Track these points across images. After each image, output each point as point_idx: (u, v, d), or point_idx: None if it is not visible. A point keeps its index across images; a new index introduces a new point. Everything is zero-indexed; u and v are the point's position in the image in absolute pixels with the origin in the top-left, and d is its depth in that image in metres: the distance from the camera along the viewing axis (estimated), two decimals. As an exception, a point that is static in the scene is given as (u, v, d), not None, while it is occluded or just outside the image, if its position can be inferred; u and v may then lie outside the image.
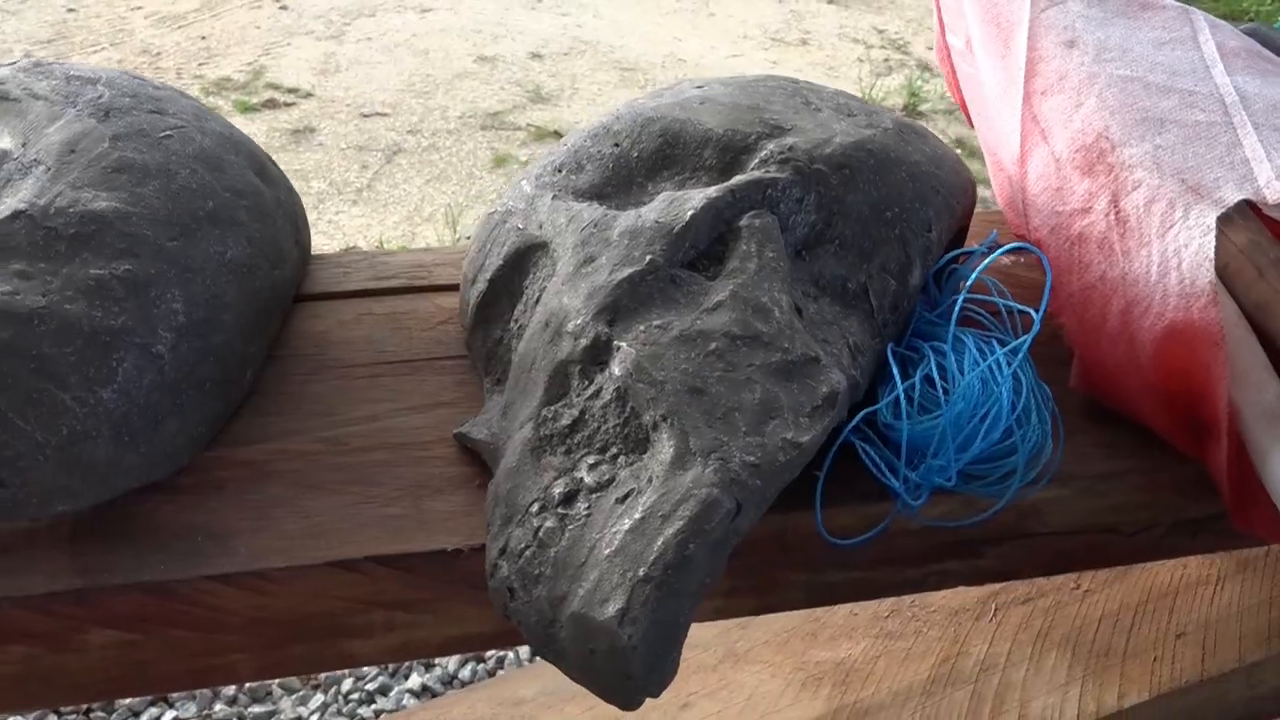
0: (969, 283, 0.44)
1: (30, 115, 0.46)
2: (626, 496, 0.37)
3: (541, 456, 0.40)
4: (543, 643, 0.37)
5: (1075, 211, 0.48)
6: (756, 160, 0.46)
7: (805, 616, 0.71)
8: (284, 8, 3.19)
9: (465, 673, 1.47)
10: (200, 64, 2.78)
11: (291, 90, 2.83)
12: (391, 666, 1.45)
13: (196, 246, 0.45)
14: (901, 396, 0.41)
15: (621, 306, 0.41)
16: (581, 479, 0.39)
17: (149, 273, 0.42)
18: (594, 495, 0.38)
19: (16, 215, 0.42)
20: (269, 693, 1.41)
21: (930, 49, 3.64)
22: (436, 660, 1.48)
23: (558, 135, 2.82)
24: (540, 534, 0.38)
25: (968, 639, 0.66)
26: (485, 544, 0.41)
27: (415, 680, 1.45)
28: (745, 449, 0.37)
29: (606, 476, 0.38)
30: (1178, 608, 0.67)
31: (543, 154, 0.53)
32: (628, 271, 0.42)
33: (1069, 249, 0.48)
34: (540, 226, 0.46)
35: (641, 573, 0.35)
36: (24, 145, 0.45)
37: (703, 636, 0.72)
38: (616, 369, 0.39)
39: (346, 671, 1.43)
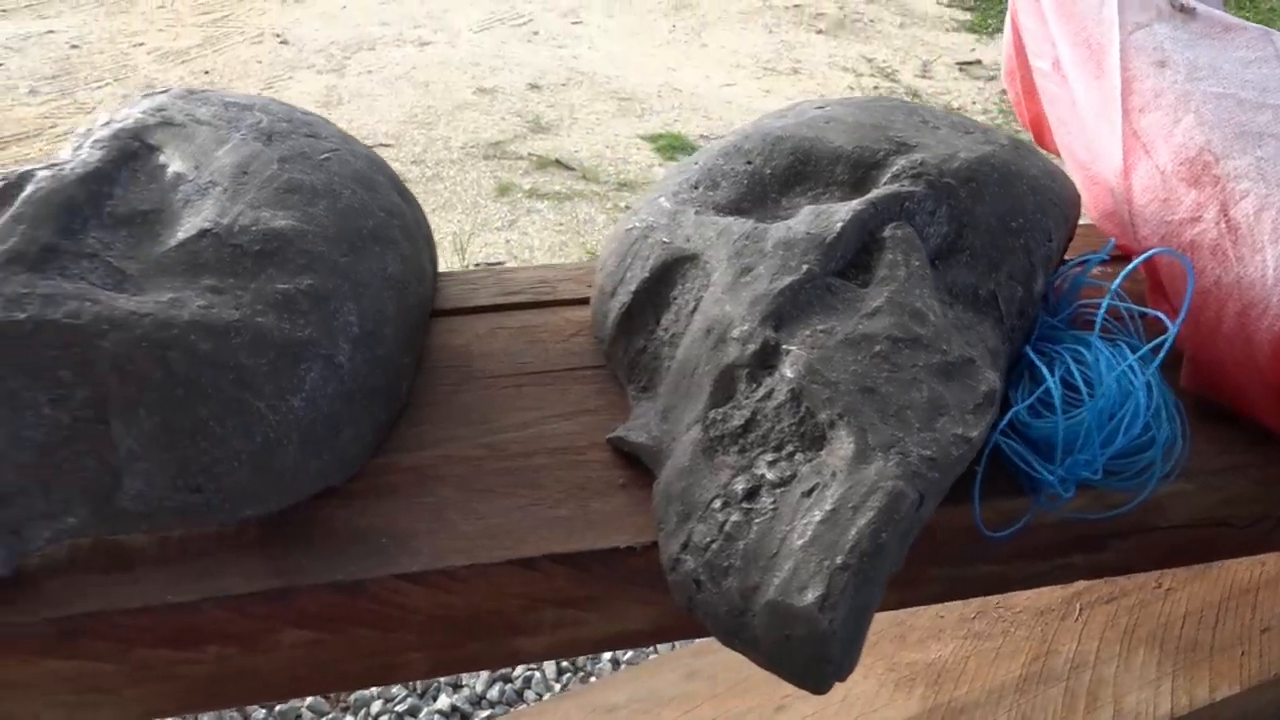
0: (1115, 286, 0.47)
1: (198, 139, 0.48)
2: (812, 490, 0.39)
3: (714, 456, 0.42)
4: (732, 631, 0.39)
5: (1184, 221, 0.51)
6: (889, 175, 0.49)
7: (890, 620, 0.73)
8: (284, 42, 3.22)
9: (494, 692, 1.47)
10: (206, 97, 2.80)
11: (295, 122, 2.85)
12: (420, 687, 1.46)
13: (363, 263, 0.47)
14: (1055, 393, 0.43)
15: (784, 313, 0.43)
16: (762, 475, 0.41)
17: (328, 287, 0.44)
18: (778, 490, 0.40)
19: (203, 234, 0.44)
20: (298, 716, 1.40)
21: (919, 76, 3.71)
22: (464, 680, 1.48)
23: (559, 164, 2.86)
24: (727, 528, 0.40)
25: (1056, 638, 0.68)
26: (658, 541, 0.43)
27: (444, 701, 1.45)
28: (921, 444, 0.40)
29: (788, 472, 0.40)
30: (1260, 603, 0.70)
31: (670, 171, 0.55)
32: (788, 280, 0.44)
33: (1180, 256, 0.50)
34: (687, 240, 0.49)
35: (839, 561, 0.37)
36: (196, 168, 0.47)
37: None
38: (789, 371, 0.42)
39: (374, 692, 1.43)
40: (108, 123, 0.49)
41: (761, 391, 0.42)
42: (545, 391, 0.52)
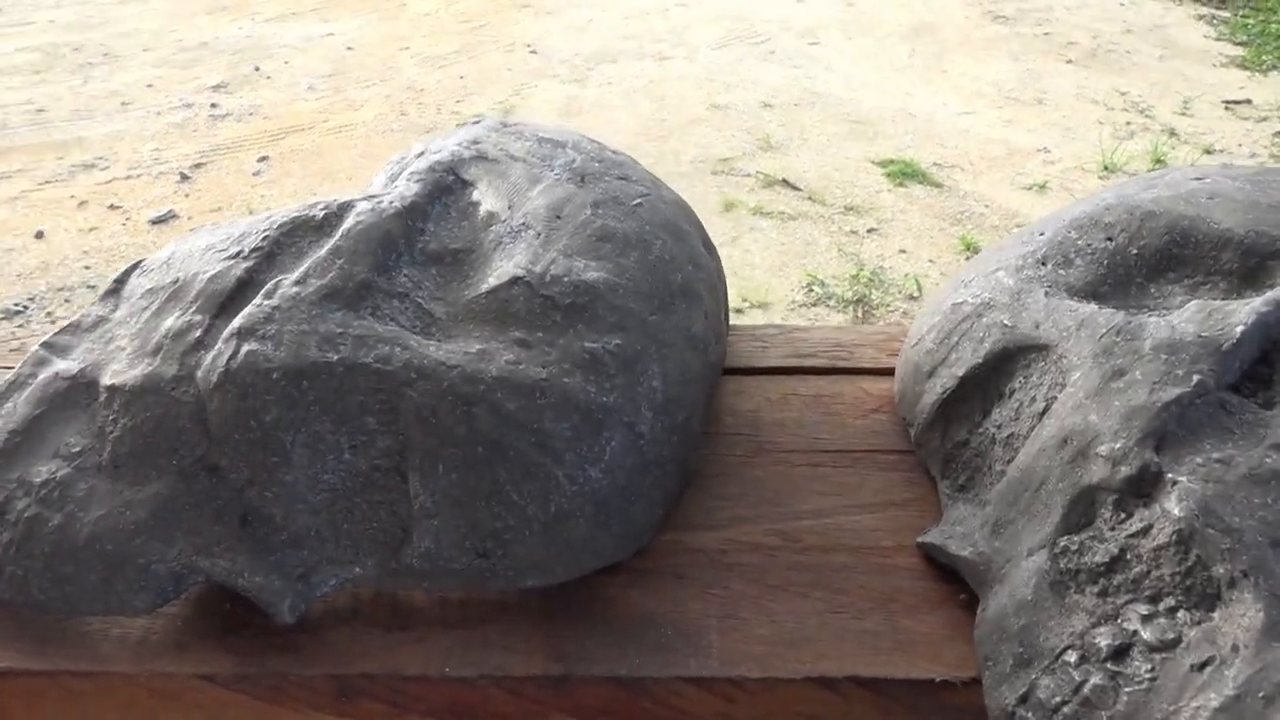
0: None
1: (512, 176, 0.46)
2: (1205, 664, 0.32)
3: (1065, 594, 0.36)
4: (1080, 816, 0.33)
5: None
6: (1293, 270, 0.41)
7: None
8: (534, 52, 3.33)
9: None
10: (458, 101, 2.93)
11: (535, 129, 2.93)
12: None
13: (669, 320, 0.43)
14: None
15: (1169, 433, 0.36)
16: (1134, 632, 0.34)
17: (635, 348, 0.41)
18: (1156, 655, 0.33)
19: (515, 281, 0.41)
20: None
21: (1178, 113, 3.40)
22: None
23: (786, 183, 2.80)
24: (1086, 691, 0.33)
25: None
26: (983, 680, 0.37)
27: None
28: (1354, 623, 0.32)
29: (1170, 634, 0.33)
30: None
31: (1008, 241, 0.49)
32: (1174, 393, 0.37)
33: None
34: (1036, 325, 0.42)
35: (1244, 764, 0.30)
36: (509, 208, 0.44)
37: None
38: (1175, 508, 0.34)
39: None
40: (422, 153, 0.47)
41: (1134, 525, 0.35)
42: (844, 475, 0.46)
